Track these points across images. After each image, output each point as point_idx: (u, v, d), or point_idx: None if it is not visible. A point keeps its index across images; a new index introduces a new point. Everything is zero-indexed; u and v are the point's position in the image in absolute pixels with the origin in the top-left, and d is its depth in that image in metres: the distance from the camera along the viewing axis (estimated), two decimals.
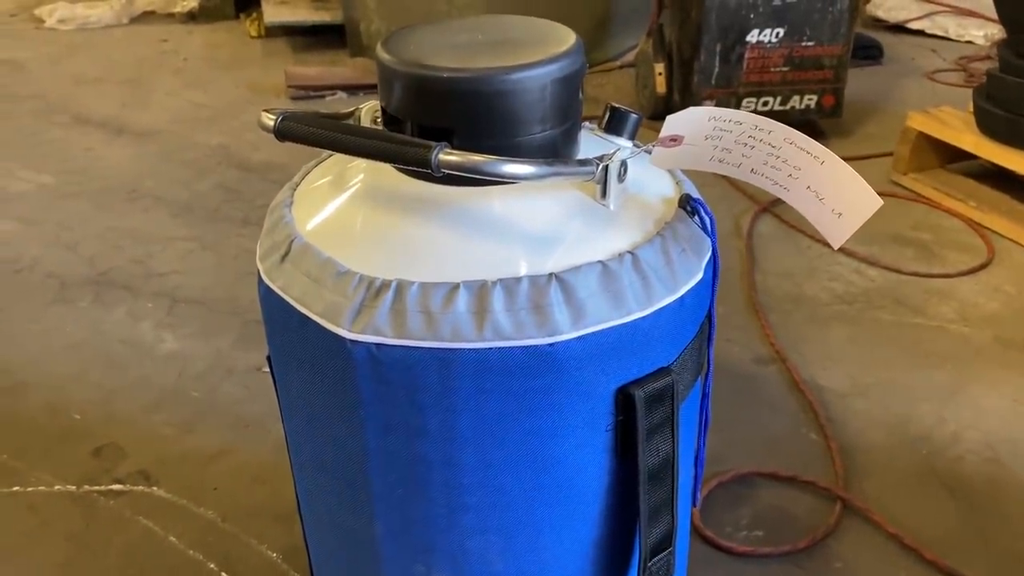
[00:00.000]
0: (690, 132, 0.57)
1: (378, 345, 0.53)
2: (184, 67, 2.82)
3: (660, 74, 2.20)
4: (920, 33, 3.00)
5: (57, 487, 1.15)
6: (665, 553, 0.64)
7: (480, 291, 0.53)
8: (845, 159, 0.56)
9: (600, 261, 0.55)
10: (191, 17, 3.31)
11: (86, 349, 1.43)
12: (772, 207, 1.82)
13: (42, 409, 1.29)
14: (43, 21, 3.24)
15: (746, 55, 2.04)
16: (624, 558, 0.65)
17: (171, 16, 3.32)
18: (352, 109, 0.66)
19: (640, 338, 0.56)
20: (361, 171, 0.62)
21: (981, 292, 1.56)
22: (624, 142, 0.64)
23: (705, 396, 0.70)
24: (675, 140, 0.58)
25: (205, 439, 1.22)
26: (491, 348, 0.53)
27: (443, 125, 0.56)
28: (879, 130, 2.22)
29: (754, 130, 0.56)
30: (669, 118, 0.57)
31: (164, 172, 2.07)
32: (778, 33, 2.02)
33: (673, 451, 0.61)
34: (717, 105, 2.08)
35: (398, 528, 0.62)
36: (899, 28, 3.03)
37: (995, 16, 1.84)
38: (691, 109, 0.57)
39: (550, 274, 0.54)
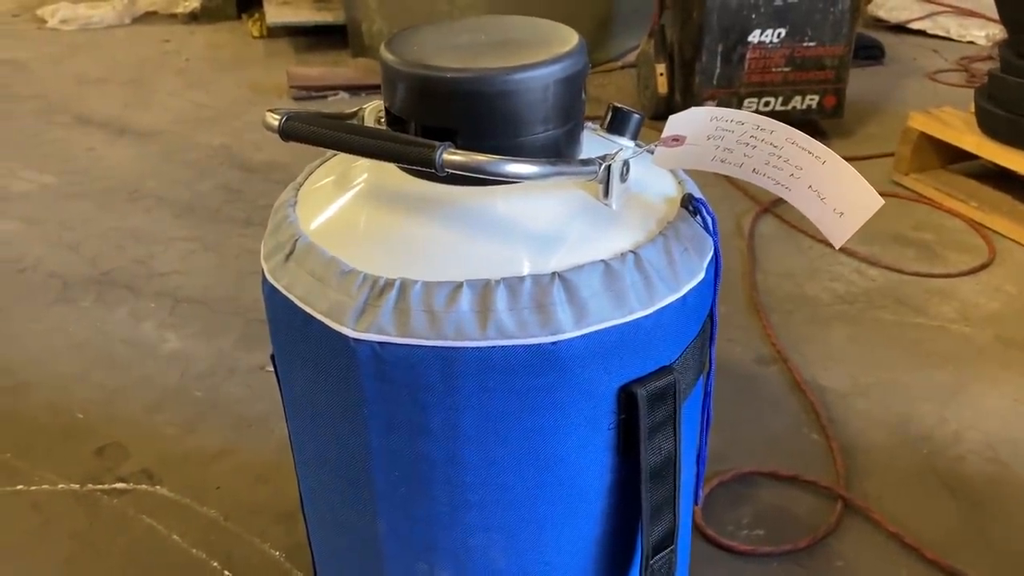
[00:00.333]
0: (692, 132, 0.58)
1: (382, 344, 0.54)
2: (186, 67, 2.83)
3: (661, 75, 2.20)
4: (921, 33, 3.01)
5: (60, 486, 1.15)
6: (667, 551, 0.64)
7: (483, 290, 0.53)
8: (846, 159, 0.56)
9: (603, 260, 0.55)
10: (193, 17, 3.32)
11: (88, 349, 1.43)
12: (773, 207, 1.82)
13: (45, 408, 1.29)
14: (45, 21, 3.24)
15: (747, 55, 2.04)
16: (626, 556, 0.65)
17: (173, 16, 3.32)
18: (356, 109, 0.67)
19: (642, 337, 0.56)
20: (365, 171, 0.62)
21: (982, 292, 1.56)
22: (626, 142, 0.64)
23: (707, 395, 0.70)
24: (677, 140, 0.58)
25: (208, 438, 1.23)
26: (494, 347, 0.53)
27: (446, 125, 0.56)
28: (880, 130, 2.22)
29: (756, 130, 0.56)
30: (671, 118, 0.58)
31: (166, 172, 2.07)
32: (779, 33, 2.02)
33: (675, 450, 0.61)
34: (719, 105, 2.08)
35: (401, 526, 0.62)
36: (900, 28, 3.04)
37: (996, 16, 1.84)
38: (693, 109, 0.57)
39: (553, 273, 0.54)
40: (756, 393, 1.32)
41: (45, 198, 1.96)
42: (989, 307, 1.51)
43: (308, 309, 0.56)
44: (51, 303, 1.56)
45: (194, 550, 1.05)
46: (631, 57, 2.65)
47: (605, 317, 0.54)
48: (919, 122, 1.89)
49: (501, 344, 0.53)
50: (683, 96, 2.15)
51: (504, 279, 0.54)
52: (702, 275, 0.60)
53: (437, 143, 0.52)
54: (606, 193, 0.58)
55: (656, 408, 0.58)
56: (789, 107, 2.12)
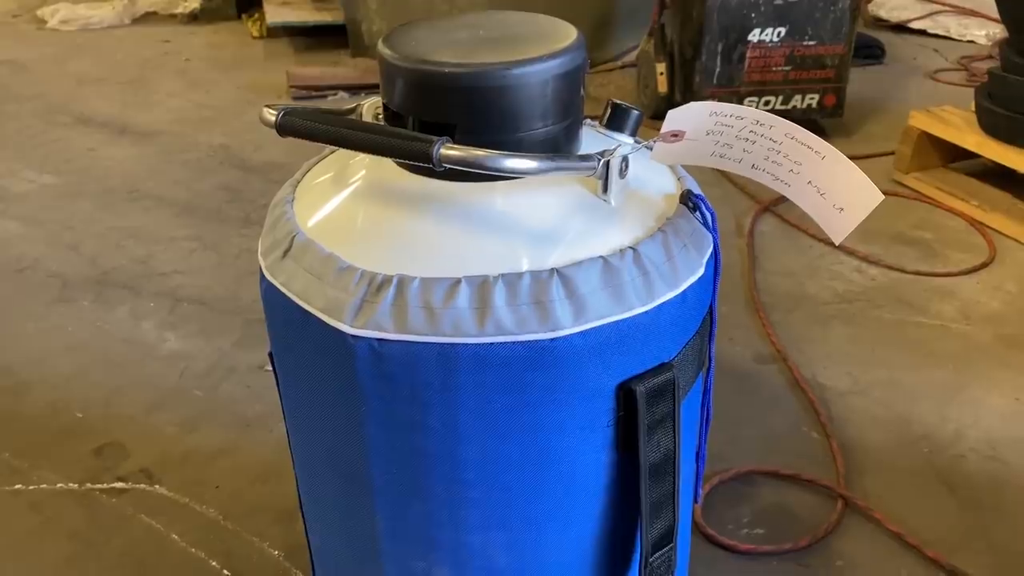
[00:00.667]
0: (691, 127, 0.57)
1: (380, 340, 0.54)
2: (186, 68, 2.83)
3: (662, 74, 2.20)
4: (922, 32, 3.00)
5: (59, 485, 1.15)
6: (666, 549, 0.64)
7: (481, 286, 0.53)
8: (847, 158, 0.56)
9: (601, 256, 0.55)
10: (193, 18, 3.31)
11: (88, 348, 1.43)
12: (773, 206, 1.82)
13: (44, 408, 1.29)
14: (45, 22, 3.24)
15: (748, 54, 2.04)
16: (626, 554, 0.65)
17: (173, 17, 3.32)
18: (354, 105, 0.66)
19: (641, 333, 0.56)
20: (363, 167, 0.62)
21: (983, 291, 1.56)
22: (625, 138, 0.64)
23: (706, 392, 0.70)
24: (676, 135, 0.58)
25: (207, 438, 1.22)
26: (492, 343, 0.53)
27: (445, 120, 0.56)
28: (881, 129, 2.22)
29: (755, 125, 0.56)
30: (670, 113, 0.57)
31: (166, 172, 2.07)
32: (780, 32, 2.02)
33: (674, 447, 0.61)
34: None
35: (399, 524, 0.62)
36: (901, 28, 3.03)
37: (997, 15, 1.84)
38: (692, 104, 0.57)
39: (551, 269, 0.54)
40: (756, 392, 1.31)
41: (45, 198, 1.96)
42: (990, 306, 1.51)
43: (306, 306, 0.56)
44: (51, 303, 1.56)
45: (193, 549, 1.05)
46: (631, 56, 2.65)
47: (604, 313, 0.54)
48: (920, 121, 1.88)
49: (499, 340, 0.53)
50: (683, 95, 2.14)
51: (502, 275, 0.53)
52: (701, 271, 0.60)
53: (434, 138, 0.52)
54: (605, 189, 0.58)
55: (655, 405, 0.58)
56: (789, 106, 2.12)
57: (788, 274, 1.61)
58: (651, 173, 0.63)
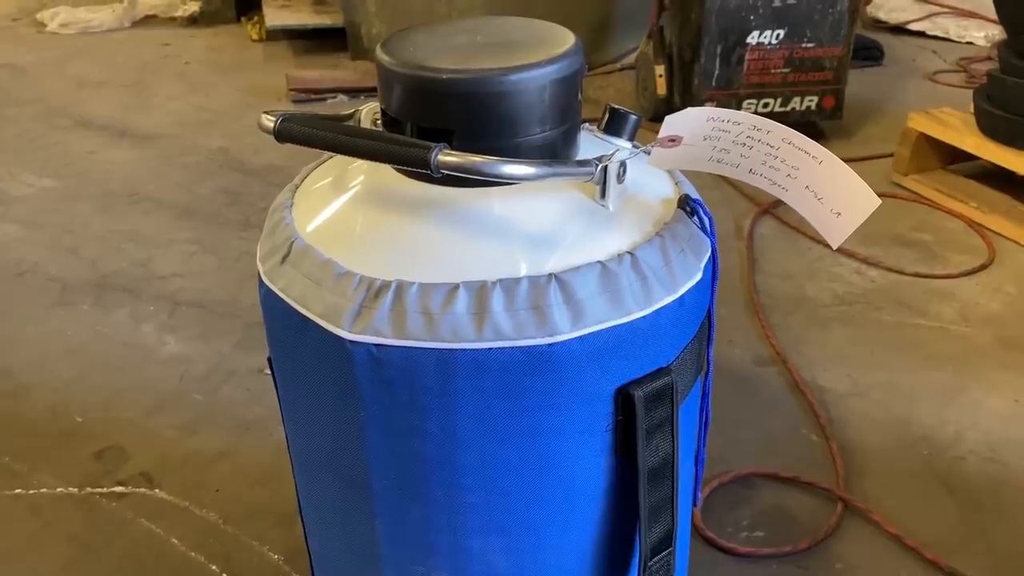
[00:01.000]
0: (689, 133, 0.57)
1: (378, 346, 0.54)
2: (186, 71, 2.83)
3: (660, 76, 2.20)
4: (921, 34, 3.01)
5: (59, 489, 1.15)
6: (665, 553, 0.64)
7: (480, 292, 0.53)
8: (846, 160, 0.56)
9: (599, 261, 0.55)
10: (192, 21, 3.32)
11: (88, 352, 1.43)
12: (773, 209, 1.82)
13: (44, 412, 1.29)
14: (45, 25, 3.24)
15: (746, 57, 2.04)
16: (625, 557, 0.65)
17: (173, 20, 3.32)
18: (352, 111, 0.67)
19: (639, 338, 0.56)
20: (361, 172, 0.62)
21: (982, 293, 1.56)
22: (623, 143, 0.64)
23: (705, 396, 0.70)
24: (674, 141, 0.58)
25: (207, 441, 1.22)
26: (491, 348, 0.53)
27: (442, 126, 0.56)
28: (880, 131, 2.22)
29: (752, 130, 0.56)
30: (668, 118, 0.57)
31: (165, 175, 2.07)
32: (778, 35, 2.02)
33: (673, 451, 0.61)
34: (718, 107, 2.08)
35: (398, 529, 0.62)
36: (900, 29, 3.04)
37: (995, 17, 1.84)
38: (689, 110, 0.57)
39: (549, 274, 0.54)
40: (755, 394, 1.31)
41: (45, 201, 1.96)
42: (989, 308, 1.51)
43: (304, 311, 0.56)
44: (50, 306, 1.56)
45: (193, 553, 1.05)
46: (630, 59, 2.65)
47: (602, 318, 0.54)
48: (918, 123, 1.89)
49: (498, 346, 0.53)
50: (682, 98, 2.15)
51: (500, 281, 0.54)
52: (699, 276, 0.60)
53: (432, 144, 0.52)
54: (603, 194, 0.58)
55: (653, 409, 0.58)
56: (788, 108, 2.12)
57: (787, 276, 1.61)
58: (649, 178, 0.63)
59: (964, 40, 2.94)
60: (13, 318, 1.53)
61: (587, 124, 0.67)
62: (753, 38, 2.02)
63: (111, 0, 3.42)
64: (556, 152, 0.60)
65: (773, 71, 2.06)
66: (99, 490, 1.15)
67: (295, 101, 2.52)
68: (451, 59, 0.57)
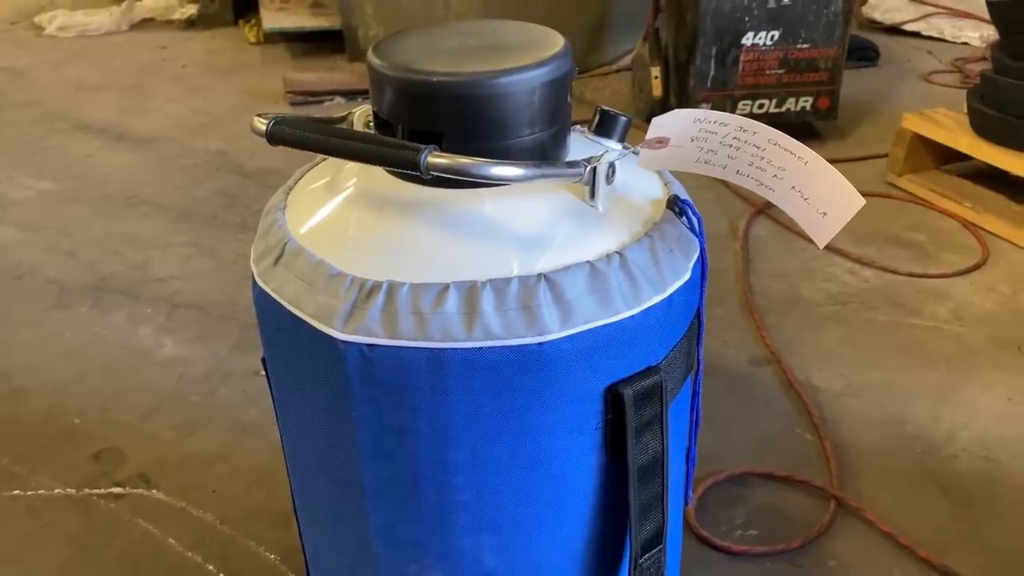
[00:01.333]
0: (676, 134, 0.58)
1: (370, 346, 0.54)
2: (183, 74, 2.84)
3: (656, 77, 2.21)
4: (916, 35, 3.01)
5: (57, 491, 1.16)
6: (656, 550, 0.65)
7: (470, 292, 0.54)
8: (841, 160, 0.57)
9: (588, 262, 0.56)
10: (190, 24, 3.32)
11: (86, 354, 1.43)
12: (767, 209, 1.82)
13: (42, 414, 1.30)
14: (43, 28, 3.25)
15: (741, 58, 2.05)
16: (615, 555, 0.65)
17: (170, 23, 3.33)
18: (345, 113, 0.67)
19: (628, 337, 0.57)
20: (354, 174, 0.63)
21: (976, 292, 1.56)
22: (613, 144, 0.65)
23: (696, 394, 0.71)
24: (661, 142, 0.58)
25: (204, 442, 1.23)
26: (481, 348, 0.54)
27: (433, 129, 0.57)
28: (875, 131, 2.23)
29: (739, 131, 0.56)
30: (655, 120, 0.58)
31: (163, 178, 2.08)
32: (773, 36, 2.03)
33: (663, 449, 0.61)
34: (713, 108, 2.09)
35: (391, 527, 0.63)
36: (895, 30, 3.05)
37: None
38: (676, 111, 0.58)
39: (539, 275, 0.55)
40: (750, 394, 1.32)
41: (43, 204, 1.96)
42: (983, 307, 1.52)
43: (297, 312, 0.57)
44: (48, 309, 1.56)
45: (190, 554, 1.06)
46: (627, 60, 2.66)
47: (591, 318, 0.55)
48: (913, 123, 1.89)
49: (488, 345, 0.54)
50: (678, 99, 2.15)
51: (490, 281, 0.54)
52: (688, 275, 0.60)
53: (422, 146, 0.52)
54: (592, 195, 0.59)
55: (643, 408, 0.59)
56: (783, 109, 2.12)
57: (782, 276, 1.62)
58: (638, 178, 0.64)
59: (959, 40, 2.94)
60: (11, 321, 1.53)
61: (578, 126, 0.68)
62: (748, 39, 2.03)
63: (109, 3, 3.43)
64: (546, 153, 0.60)
65: (768, 72, 2.07)
66: (97, 491, 1.15)
67: (292, 103, 2.53)
68: (441, 62, 0.58)
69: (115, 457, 1.21)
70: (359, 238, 0.59)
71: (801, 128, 2.18)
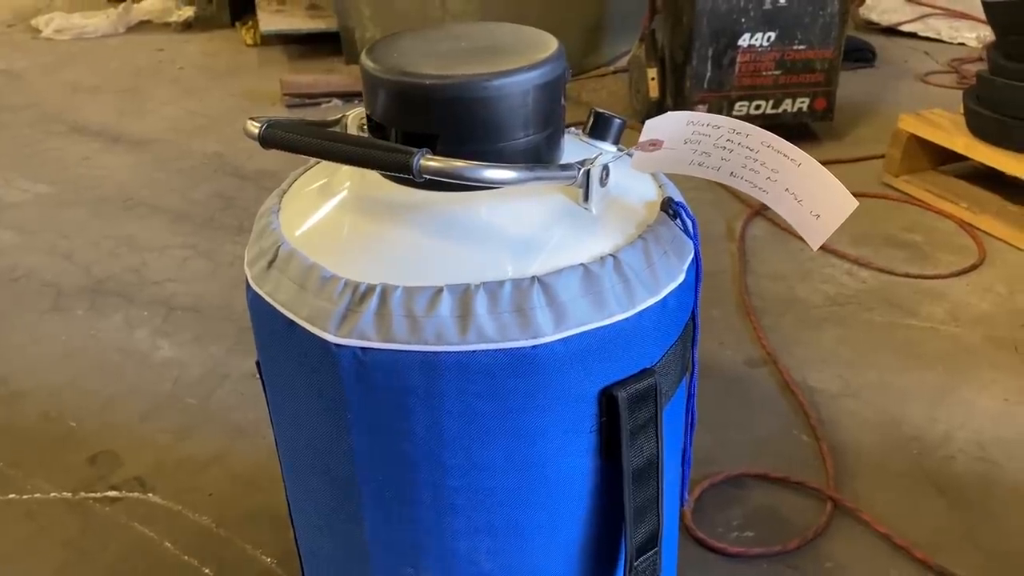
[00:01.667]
0: (669, 136, 0.58)
1: (363, 349, 0.54)
2: (180, 76, 2.84)
3: (653, 79, 2.21)
4: (913, 35, 3.02)
5: (53, 494, 1.15)
6: (651, 553, 0.65)
7: (463, 295, 0.54)
8: (837, 161, 0.57)
9: (582, 264, 0.56)
10: (187, 26, 3.32)
11: (82, 357, 1.43)
12: (764, 210, 1.82)
13: (38, 417, 1.30)
14: (40, 31, 3.25)
15: (738, 59, 2.05)
16: (610, 558, 0.65)
17: (167, 25, 3.33)
18: (339, 116, 0.67)
19: (622, 340, 0.57)
20: (347, 177, 0.63)
21: (973, 292, 1.56)
22: (608, 147, 0.65)
23: (691, 396, 0.71)
24: (655, 144, 0.58)
25: (200, 445, 1.23)
26: (475, 351, 0.54)
27: (426, 131, 0.57)
28: (871, 132, 2.23)
29: (732, 134, 0.57)
30: (648, 123, 0.58)
31: (160, 180, 2.08)
32: (769, 37, 2.03)
33: (658, 451, 0.61)
34: (710, 109, 2.09)
35: (386, 530, 0.63)
36: (892, 31, 3.05)
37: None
38: (670, 114, 0.58)
39: (532, 277, 0.55)
40: (746, 395, 1.32)
41: (39, 207, 1.96)
42: (979, 307, 1.52)
43: (290, 315, 0.57)
44: (45, 312, 1.56)
45: (186, 557, 1.06)
46: (623, 62, 2.66)
47: (584, 320, 0.55)
48: (909, 124, 1.89)
49: (481, 348, 0.54)
50: (674, 100, 2.16)
51: (484, 284, 0.54)
52: (682, 278, 0.60)
53: (415, 149, 0.52)
54: (586, 197, 0.59)
55: (637, 410, 0.59)
56: (780, 110, 2.13)
57: (779, 278, 1.62)
58: (633, 181, 0.64)
59: (956, 41, 2.95)
60: (8, 323, 1.53)
61: (573, 128, 0.68)
62: (744, 40, 2.03)
63: (106, 6, 3.42)
64: (539, 156, 0.60)
65: (764, 73, 2.07)
66: (93, 495, 1.15)
67: (289, 106, 2.53)
68: (434, 65, 0.58)
69: (111, 460, 1.21)
70: (352, 241, 0.59)
71: (798, 129, 2.18)
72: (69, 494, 1.15)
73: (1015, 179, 1.74)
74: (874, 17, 3.10)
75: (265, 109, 2.50)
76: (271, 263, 0.59)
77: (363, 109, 0.64)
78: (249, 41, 3.13)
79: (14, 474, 1.19)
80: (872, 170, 1.99)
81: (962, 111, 1.83)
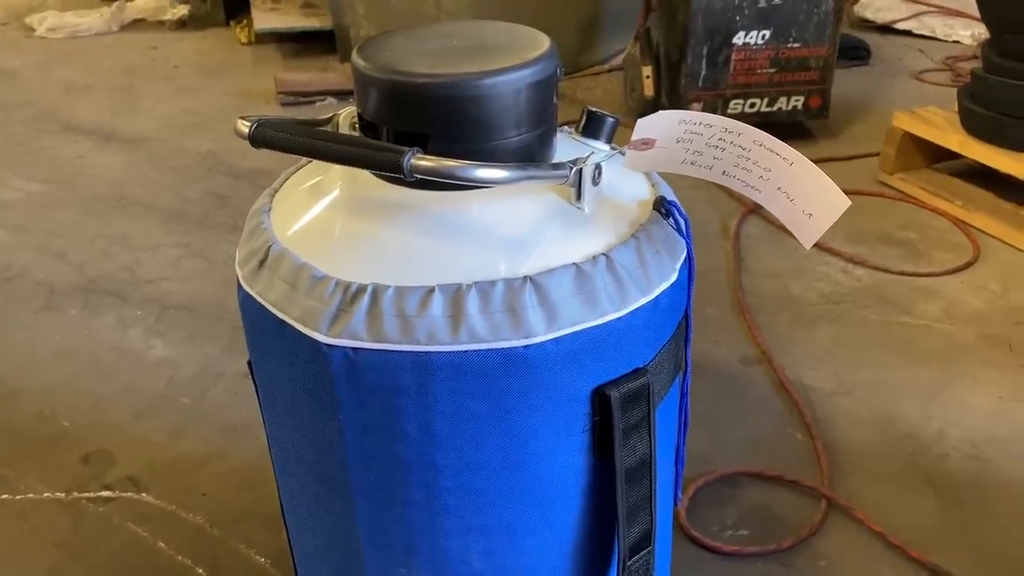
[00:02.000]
0: (662, 135, 0.58)
1: (355, 349, 0.54)
2: (174, 74, 2.83)
3: (648, 77, 2.21)
4: (907, 33, 3.02)
5: (46, 494, 1.15)
6: (644, 552, 0.64)
7: (455, 295, 0.54)
8: (832, 159, 0.57)
9: (574, 263, 0.56)
10: (181, 24, 3.31)
11: (75, 356, 1.43)
12: (759, 208, 1.82)
13: (31, 417, 1.29)
14: (33, 29, 3.24)
15: (733, 57, 2.05)
16: (604, 557, 0.65)
17: (161, 24, 3.32)
18: (330, 115, 0.67)
19: (615, 339, 0.57)
20: (339, 177, 0.63)
21: (967, 290, 1.57)
22: (601, 145, 0.64)
23: (684, 396, 0.71)
24: (647, 143, 0.58)
25: (194, 445, 1.23)
26: (467, 351, 0.54)
27: (418, 130, 0.57)
28: (866, 130, 2.23)
29: (724, 132, 0.56)
30: (640, 121, 0.58)
31: (154, 179, 2.07)
32: (764, 35, 2.03)
33: (650, 451, 0.61)
34: (705, 107, 2.09)
35: (379, 530, 0.63)
36: (887, 28, 3.05)
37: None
38: (662, 113, 0.58)
39: (524, 277, 0.54)
40: (741, 393, 1.32)
41: (32, 206, 1.95)
42: (973, 305, 1.52)
43: (281, 315, 0.57)
44: (38, 311, 1.56)
45: (180, 557, 1.05)
46: (618, 60, 2.66)
47: (577, 320, 0.55)
48: (903, 122, 1.89)
49: (473, 348, 0.54)
50: (669, 98, 2.15)
51: (476, 283, 0.54)
52: (674, 277, 0.60)
53: (406, 148, 0.52)
54: (578, 196, 0.59)
55: (630, 409, 0.59)
56: (775, 108, 2.13)
57: (774, 276, 1.62)
58: (625, 180, 0.64)
59: (950, 39, 2.95)
60: (0, 323, 1.52)
61: (566, 127, 0.68)
62: (739, 39, 2.03)
63: (99, 4, 3.41)
64: (532, 155, 0.60)
65: (759, 71, 2.07)
66: (86, 495, 1.15)
67: (284, 104, 2.52)
68: (426, 63, 0.58)
69: (104, 460, 1.20)
70: (344, 241, 0.58)
71: (792, 127, 2.18)
72: (62, 494, 1.15)
73: (1009, 177, 1.74)
74: (869, 15, 3.11)
75: (259, 107, 2.50)
76: (262, 263, 0.59)
77: (354, 108, 0.63)
78: (243, 39, 3.12)
79: (6, 474, 1.18)
80: (867, 168, 1.99)
81: (956, 109, 1.83)
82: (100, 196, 1.99)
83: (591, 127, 0.65)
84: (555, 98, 0.61)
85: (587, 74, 2.70)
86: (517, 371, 0.55)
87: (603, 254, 0.57)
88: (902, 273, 1.62)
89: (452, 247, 0.57)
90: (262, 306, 0.58)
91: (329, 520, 0.66)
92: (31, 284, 1.64)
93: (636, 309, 0.57)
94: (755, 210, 1.82)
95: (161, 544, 1.07)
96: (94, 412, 1.30)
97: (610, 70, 2.73)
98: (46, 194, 2.01)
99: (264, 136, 0.57)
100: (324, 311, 0.54)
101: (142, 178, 2.08)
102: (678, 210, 0.61)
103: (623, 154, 0.62)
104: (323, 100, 2.54)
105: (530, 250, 0.56)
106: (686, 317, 0.65)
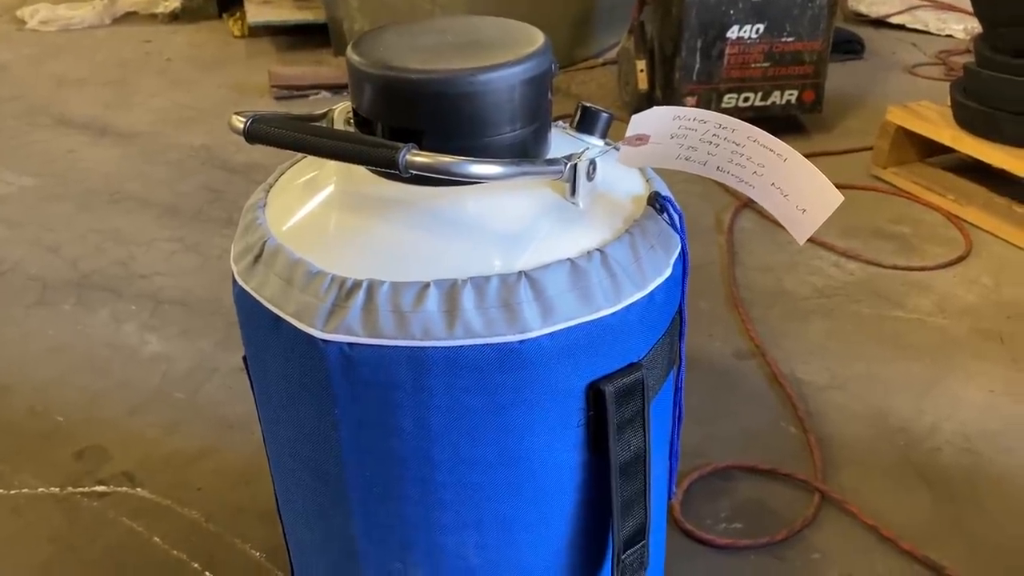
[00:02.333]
0: (656, 131, 0.58)
1: (350, 344, 0.54)
2: (167, 67, 2.82)
3: (642, 71, 2.20)
4: (901, 27, 3.02)
5: (40, 489, 1.15)
6: (639, 546, 0.65)
7: (450, 290, 0.54)
8: (825, 153, 0.57)
9: (569, 259, 0.56)
10: (174, 17, 3.30)
11: (69, 351, 1.43)
12: (753, 203, 1.82)
13: (25, 412, 1.29)
14: (25, 22, 3.22)
15: (727, 51, 2.05)
16: (598, 551, 0.66)
17: (154, 16, 3.30)
18: (325, 110, 0.67)
19: (609, 334, 0.57)
20: (334, 172, 0.63)
21: (959, 284, 1.57)
22: (596, 141, 0.65)
23: (678, 390, 0.71)
24: (641, 139, 0.58)
25: (189, 440, 1.23)
26: (462, 346, 0.54)
27: (412, 126, 0.57)
28: (860, 124, 2.23)
29: (718, 128, 0.57)
30: (634, 117, 0.58)
31: (147, 173, 2.07)
32: (758, 29, 2.03)
33: (645, 445, 0.62)
34: (699, 101, 2.09)
35: (375, 525, 0.63)
36: (880, 23, 3.05)
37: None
38: (655, 108, 0.58)
39: (519, 272, 0.55)
40: (734, 387, 1.33)
41: (25, 200, 1.95)
42: (966, 299, 1.53)
43: (277, 311, 0.57)
44: (31, 306, 1.55)
45: (175, 552, 1.05)
46: (612, 54, 2.66)
47: (572, 315, 0.55)
48: (896, 116, 1.90)
49: (469, 343, 0.54)
50: (663, 92, 2.15)
51: (471, 279, 0.54)
52: (669, 272, 0.61)
53: (401, 144, 0.52)
54: (573, 192, 0.59)
55: (624, 404, 0.59)
56: (768, 102, 2.13)
57: (767, 270, 1.62)
58: (620, 175, 0.64)
59: (944, 33, 2.95)
60: None
61: (560, 122, 0.68)
62: (733, 32, 2.03)
63: None
64: (526, 151, 0.60)
65: (753, 65, 2.07)
66: (80, 490, 1.15)
67: (277, 98, 2.51)
68: (420, 59, 0.58)
69: (99, 455, 1.20)
70: (339, 236, 0.58)
71: (786, 121, 2.18)
72: (56, 489, 1.15)
73: (1002, 171, 1.75)
74: (862, 9, 3.11)
75: (253, 101, 2.49)
76: (257, 258, 0.59)
77: (349, 103, 0.63)
78: (237, 32, 3.11)
79: (1, 469, 1.18)
80: (860, 162, 2.00)
81: (949, 103, 1.83)
82: (93, 190, 1.98)
83: (586, 122, 0.65)
84: (549, 94, 0.61)
85: (581, 68, 2.70)
86: (512, 366, 0.55)
87: (598, 249, 0.57)
88: (895, 267, 1.62)
89: (447, 242, 0.57)
90: (257, 302, 0.58)
91: (324, 514, 0.66)
92: (24, 279, 1.63)
93: (630, 304, 0.57)
94: (749, 204, 1.83)
95: (156, 539, 1.07)
96: (88, 407, 1.30)
97: (604, 64, 2.73)
98: (39, 188, 2.00)
99: (259, 132, 0.57)
100: (320, 306, 0.55)
101: (136, 172, 2.07)
102: (672, 205, 0.62)
103: (617, 149, 0.62)
104: (317, 94, 2.53)
105: (525, 245, 0.57)
106: (680, 312, 0.66)
